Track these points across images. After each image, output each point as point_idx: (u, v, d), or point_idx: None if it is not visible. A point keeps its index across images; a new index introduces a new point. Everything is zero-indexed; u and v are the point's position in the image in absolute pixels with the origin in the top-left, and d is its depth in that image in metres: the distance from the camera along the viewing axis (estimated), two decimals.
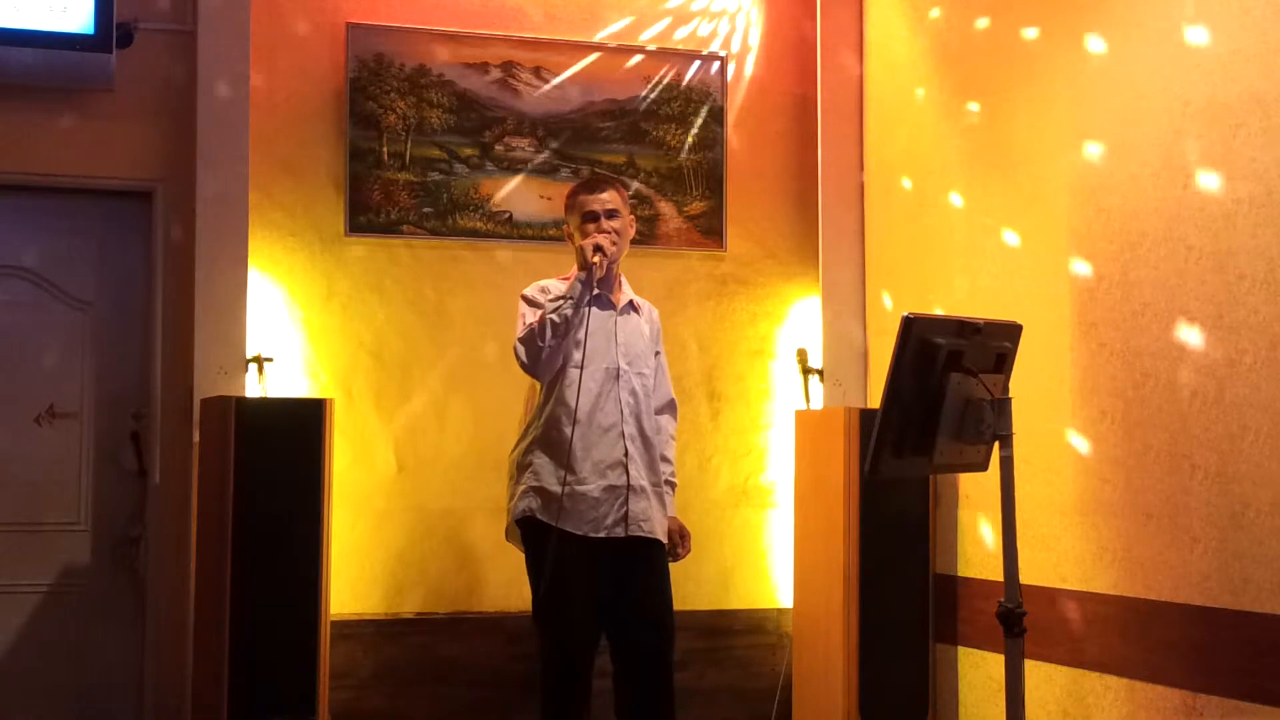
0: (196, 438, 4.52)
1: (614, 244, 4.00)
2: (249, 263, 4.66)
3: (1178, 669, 3.77)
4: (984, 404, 3.03)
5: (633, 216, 4.21)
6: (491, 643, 4.86)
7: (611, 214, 4.04)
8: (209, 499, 4.34)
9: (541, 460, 3.96)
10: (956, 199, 4.76)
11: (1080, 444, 4.15)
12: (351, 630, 4.73)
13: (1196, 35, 3.77)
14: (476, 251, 5.02)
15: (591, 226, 4.01)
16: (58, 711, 4.60)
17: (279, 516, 4.22)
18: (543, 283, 4.06)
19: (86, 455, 4.69)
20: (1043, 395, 4.25)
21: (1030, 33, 4.43)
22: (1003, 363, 3.15)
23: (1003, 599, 3.04)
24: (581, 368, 3.92)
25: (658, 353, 4.19)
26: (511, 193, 5.04)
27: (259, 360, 4.62)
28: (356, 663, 4.75)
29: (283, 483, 4.24)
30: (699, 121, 5.25)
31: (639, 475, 3.98)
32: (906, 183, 5.05)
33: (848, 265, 5.26)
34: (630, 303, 4.13)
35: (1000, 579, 3.07)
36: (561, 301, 3.89)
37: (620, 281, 4.13)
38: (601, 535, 3.93)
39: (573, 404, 3.90)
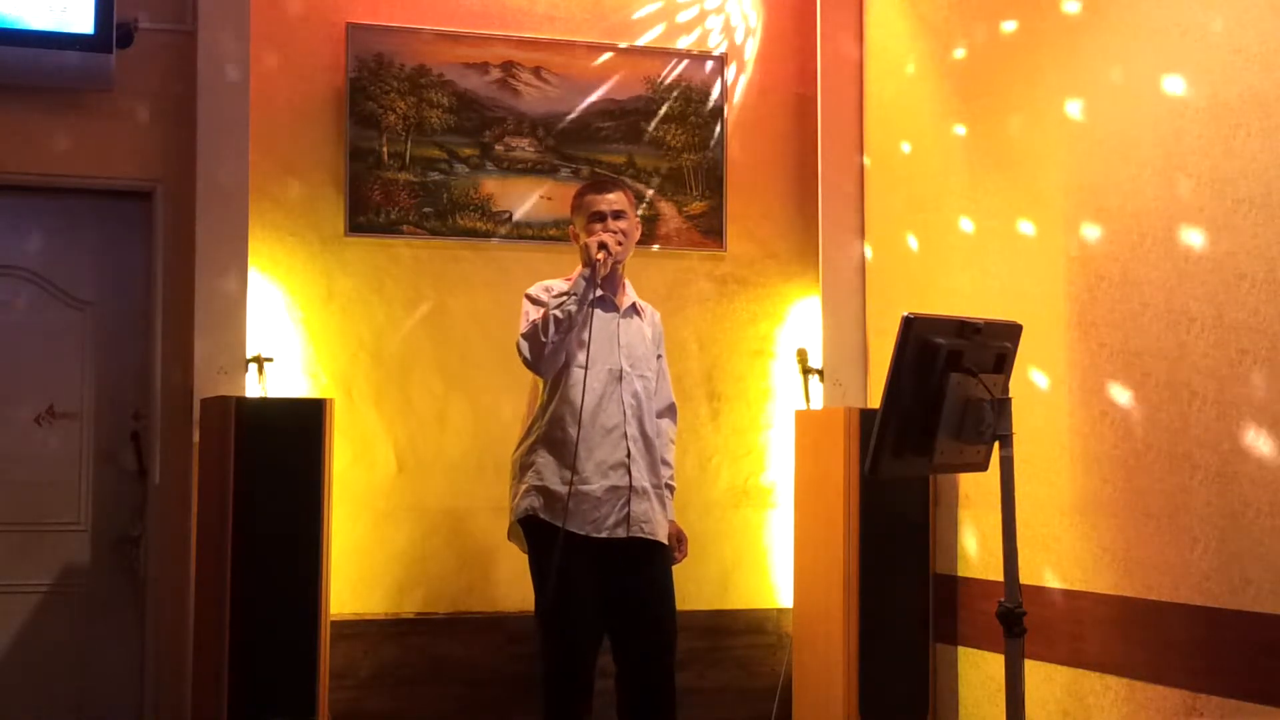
0: (196, 438, 4.52)
1: (619, 244, 4.01)
2: (249, 263, 4.66)
3: (1178, 669, 3.77)
4: (984, 404, 3.03)
5: (638, 219, 4.22)
6: (491, 643, 4.87)
7: (618, 215, 4.05)
8: (209, 499, 4.34)
9: (544, 459, 3.96)
10: (957, 199, 4.76)
11: (1080, 444, 4.15)
12: (351, 630, 4.73)
13: (1196, 35, 3.77)
14: (476, 251, 5.02)
15: (598, 226, 4.02)
16: (57, 712, 4.60)
17: (279, 516, 4.22)
18: (546, 282, 4.08)
19: (86, 455, 4.68)
20: (1043, 395, 4.25)
21: (1030, 33, 4.43)
22: (1003, 363, 3.15)
23: (1003, 599, 3.04)
24: (586, 368, 3.93)
25: (659, 356, 4.20)
26: (511, 193, 5.05)
27: (259, 360, 4.62)
28: (356, 663, 4.75)
29: (283, 482, 4.23)
30: (699, 121, 5.26)
31: (641, 476, 3.99)
32: (907, 182, 5.05)
33: (848, 265, 5.26)
34: (633, 305, 4.14)
35: (1000, 579, 3.07)
36: (565, 298, 3.90)
37: (624, 285, 4.14)
38: (603, 535, 3.93)
39: (577, 403, 3.90)
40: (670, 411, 4.22)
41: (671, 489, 4.16)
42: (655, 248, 5.15)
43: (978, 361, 3.05)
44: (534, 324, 3.91)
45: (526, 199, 5.06)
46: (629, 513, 3.95)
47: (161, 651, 4.62)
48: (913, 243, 5.00)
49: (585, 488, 3.92)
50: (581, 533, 3.91)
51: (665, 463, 4.14)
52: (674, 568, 4.12)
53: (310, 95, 4.88)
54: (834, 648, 4.68)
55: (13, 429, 4.63)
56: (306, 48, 4.88)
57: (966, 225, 4.71)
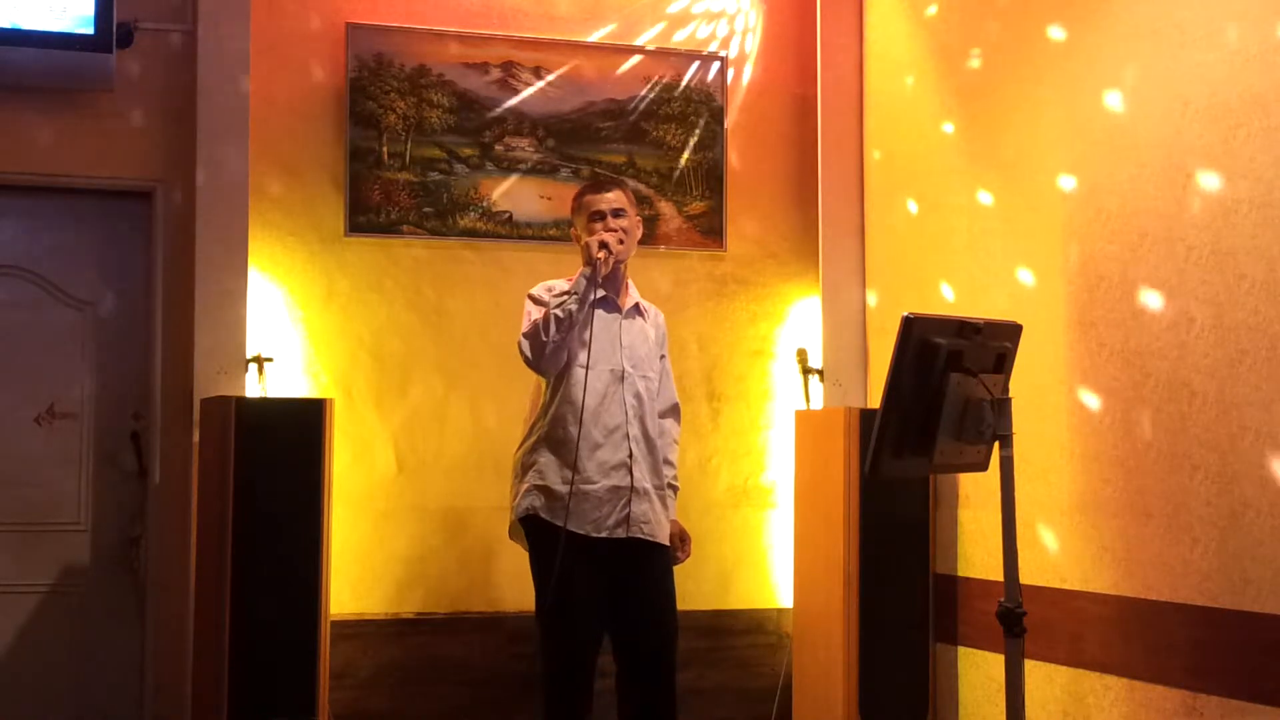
0: (196, 438, 4.52)
1: (620, 242, 4.01)
2: (249, 263, 4.66)
3: (1178, 669, 3.77)
4: (984, 404, 3.03)
5: (639, 218, 4.22)
6: (491, 643, 4.87)
7: (618, 213, 4.05)
8: (209, 499, 4.34)
9: (546, 459, 3.96)
10: (957, 199, 4.76)
11: (1080, 444, 4.15)
12: (351, 630, 4.73)
13: (1196, 35, 3.77)
14: (476, 251, 5.02)
15: (598, 225, 4.03)
16: (57, 711, 4.60)
17: (279, 516, 4.22)
18: (549, 282, 4.08)
19: (86, 455, 4.69)
20: (1042, 395, 4.25)
21: (1030, 32, 4.43)
22: (1003, 363, 3.15)
23: (1003, 599, 3.04)
24: (587, 368, 3.93)
25: (662, 356, 4.20)
26: (511, 193, 5.05)
27: (259, 360, 4.62)
28: (356, 663, 4.75)
29: (283, 483, 4.23)
30: (699, 121, 5.26)
31: (642, 477, 3.99)
32: (907, 182, 5.05)
33: (848, 265, 5.26)
34: (636, 306, 4.14)
35: (1000, 579, 3.07)
36: (566, 297, 3.90)
37: (627, 285, 4.14)
38: (604, 535, 3.93)
39: (579, 403, 3.90)
40: (674, 412, 4.22)
41: (675, 489, 4.16)
42: (661, 249, 5.15)
43: (978, 361, 3.05)
44: (535, 323, 3.91)
45: (526, 199, 5.06)
46: (629, 513, 3.95)
47: (161, 651, 4.62)
48: (913, 242, 5.00)
49: (587, 487, 3.92)
50: (582, 532, 3.91)
51: (668, 463, 4.14)
52: (674, 568, 4.12)
53: (310, 95, 4.88)
54: (834, 648, 4.68)
55: (13, 429, 4.63)
56: (306, 48, 4.88)
57: (967, 225, 4.71)
